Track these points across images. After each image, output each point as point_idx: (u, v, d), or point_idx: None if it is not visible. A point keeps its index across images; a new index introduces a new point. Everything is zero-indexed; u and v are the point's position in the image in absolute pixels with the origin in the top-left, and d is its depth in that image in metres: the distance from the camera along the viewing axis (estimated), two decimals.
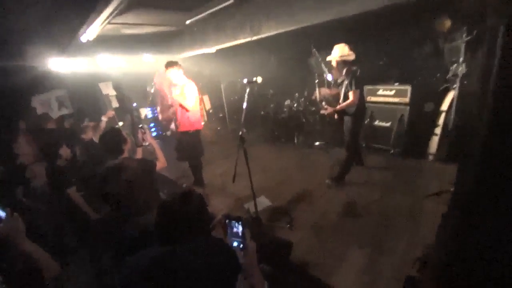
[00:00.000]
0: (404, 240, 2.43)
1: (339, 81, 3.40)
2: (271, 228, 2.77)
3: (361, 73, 3.16)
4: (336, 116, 3.50)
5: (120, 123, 5.47)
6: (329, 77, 4.00)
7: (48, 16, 2.53)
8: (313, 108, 5.21)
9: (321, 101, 3.82)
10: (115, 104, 5.87)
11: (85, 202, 2.55)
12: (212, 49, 4.67)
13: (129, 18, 3.60)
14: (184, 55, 5.44)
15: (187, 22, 4.13)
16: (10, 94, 4.58)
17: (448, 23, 3.47)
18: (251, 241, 1.02)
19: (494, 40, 0.96)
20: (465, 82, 3.72)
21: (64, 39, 3.50)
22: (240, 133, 2.37)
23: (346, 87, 3.19)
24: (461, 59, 3.61)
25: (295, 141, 5.31)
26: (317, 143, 5.10)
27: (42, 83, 5.13)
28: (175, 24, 4.33)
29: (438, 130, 4.02)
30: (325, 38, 4.14)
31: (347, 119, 3.35)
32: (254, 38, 3.78)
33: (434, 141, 4.06)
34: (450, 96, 3.92)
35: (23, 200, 2.86)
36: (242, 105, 2.54)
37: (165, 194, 2.52)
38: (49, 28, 2.83)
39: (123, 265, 0.93)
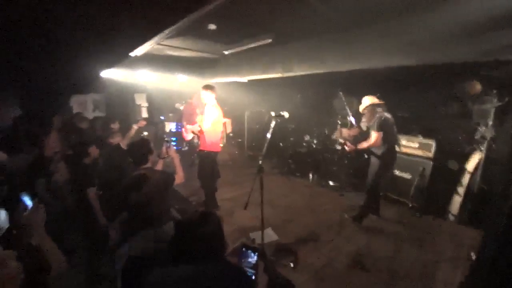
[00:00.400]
0: None
1: (365, 128, 3.61)
2: (274, 264, 2.66)
3: (386, 119, 3.28)
4: (365, 155, 3.61)
5: (145, 133, 5.75)
6: (352, 119, 4.07)
7: (109, 32, 2.86)
8: (333, 147, 5.21)
9: (343, 141, 3.88)
10: (144, 114, 6.23)
11: (99, 206, 2.62)
12: (244, 79, 4.98)
13: (175, 41, 3.99)
14: (215, 81, 5.79)
15: (225, 52, 4.47)
16: (53, 90, 5.01)
17: (478, 86, 3.51)
18: (264, 275, 1.01)
19: None
20: (493, 145, 3.63)
21: (118, 53, 3.87)
22: (260, 162, 2.41)
23: (371, 128, 3.34)
24: (490, 123, 3.56)
25: (310, 177, 5.26)
26: (331, 183, 5.01)
27: (84, 85, 5.59)
28: (214, 52, 4.70)
29: (461, 190, 3.84)
30: (353, 85, 4.30)
31: (373, 161, 3.41)
32: (285, 75, 4.01)
33: (456, 201, 3.86)
34: (476, 157, 3.80)
35: (42, 193, 3.00)
36: (262, 134, 2.64)
37: (177, 210, 2.54)
38: (108, 42, 3.17)
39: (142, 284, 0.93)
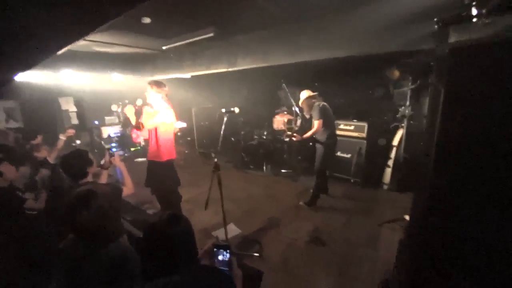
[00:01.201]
0: (366, 266, 2.58)
1: (308, 116, 3.90)
2: (241, 257, 2.72)
3: (323, 108, 3.64)
4: (310, 143, 3.93)
5: (78, 141, 5.08)
6: (296, 109, 4.34)
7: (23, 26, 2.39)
8: (281, 137, 5.48)
9: (290, 133, 4.17)
10: (74, 120, 5.47)
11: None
12: (187, 75, 4.78)
13: (104, 37, 3.58)
14: (155, 78, 5.42)
15: (164, 47, 4.21)
16: None
17: (396, 73, 4.10)
18: (238, 269, 1.03)
19: (435, 91, 1.22)
20: (411, 122, 4.31)
21: (31, 52, 3.27)
22: (215, 160, 2.40)
23: (313, 118, 3.66)
24: (407, 103, 4.21)
25: (264, 168, 5.45)
26: (284, 171, 5.29)
27: None
28: (151, 47, 4.38)
29: (390, 163, 4.51)
30: (294, 76, 4.57)
31: (318, 146, 3.74)
32: (230, 69, 4.00)
33: (388, 173, 4.52)
34: (400, 133, 4.49)
35: None
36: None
37: (130, 221, 2.35)
38: (17, 41, 2.64)
39: None
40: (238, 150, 5.81)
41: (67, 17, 1.79)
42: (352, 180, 4.62)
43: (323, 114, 3.60)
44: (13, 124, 4.95)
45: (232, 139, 6.02)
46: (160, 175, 2.96)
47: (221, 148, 2.70)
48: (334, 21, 2.75)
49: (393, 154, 4.50)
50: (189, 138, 7.19)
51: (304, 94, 3.78)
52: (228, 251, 1.05)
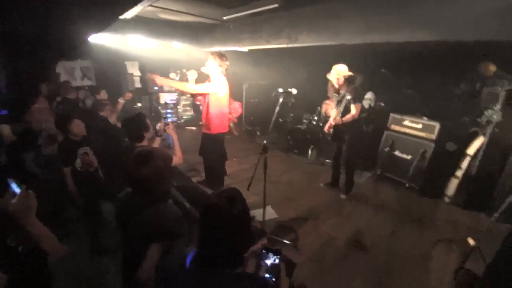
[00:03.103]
0: (410, 284, 2.30)
1: (339, 98, 3.41)
2: (275, 242, 2.67)
3: (360, 92, 3.35)
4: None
5: (139, 104, 5.47)
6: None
7: None
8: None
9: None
10: (137, 84, 5.87)
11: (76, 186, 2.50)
12: (244, 49, 4.64)
13: (169, 3, 3.59)
14: (213, 49, 5.41)
15: (225, 17, 4.10)
16: (38, 55, 4.57)
17: (492, 68, 3.34)
18: (286, 278, 0.93)
19: None
20: (496, 129, 3.57)
21: (107, 16, 3.44)
22: (265, 141, 2.28)
23: (348, 102, 3.24)
24: (498, 107, 3.46)
25: (309, 155, 5.21)
26: (328, 161, 4.98)
27: (71, 50, 5.14)
28: (212, 17, 4.31)
29: (459, 173, 3.86)
30: (361, 59, 4.05)
31: (347, 137, 3.45)
32: (290, 45, 3.72)
33: (453, 184, 3.90)
34: (479, 141, 3.76)
35: (31, 168, 2.83)
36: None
37: (176, 187, 2.44)
38: (96, 3, 2.76)
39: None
40: (284, 132, 5.63)
41: None
42: (407, 185, 4.11)
43: (361, 99, 3.29)
44: (86, 82, 5.52)
45: (280, 120, 5.82)
46: (207, 147, 3.03)
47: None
48: None
49: (465, 164, 3.83)
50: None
51: (345, 69, 3.26)
52: (278, 256, 0.95)
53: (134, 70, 5.83)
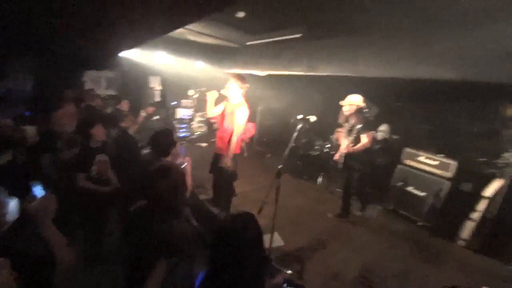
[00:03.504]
0: None
1: (349, 128, 3.46)
2: (279, 272, 2.57)
3: (372, 122, 3.41)
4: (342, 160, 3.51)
5: (157, 117, 5.63)
6: None
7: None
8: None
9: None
10: (157, 98, 6.09)
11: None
12: (263, 73, 4.80)
13: (197, 26, 3.81)
14: (233, 71, 5.61)
15: (248, 43, 4.29)
16: (67, 63, 4.83)
17: None
18: None
19: None
20: None
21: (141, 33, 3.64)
22: (280, 166, 2.28)
23: (358, 132, 3.26)
24: None
25: (318, 182, 5.13)
26: (339, 190, 4.87)
27: (98, 61, 5.44)
28: (236, 41, 4.52)
29: (475, 216, 3.69)
30: (378, 90, 4.10)
31: (356, 165, 3.47)
32: (309, 73, 3.83)
33: (469, 227, 3.71)
34: (496, 184, 3.63)
35: (47, 169, 2.89)
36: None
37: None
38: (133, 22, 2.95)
39: None
40: (295, 157, 5.61)
41: (176, 8, 1.90)
42: (420, 223, 3.94)
43: (372, 128, 3.31)
44: (110, 92, 5.76)
45: (293, 144, 5.83)
46: (219, 167, 3.04)
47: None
48: (453, 35, 2.31)
49: (481, 206, 3.67)
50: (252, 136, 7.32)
51: (359, 99, 3.31)
52: None
53: (155, 85, 6.09)
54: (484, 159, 3.92)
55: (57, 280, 1.26)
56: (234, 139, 2.97)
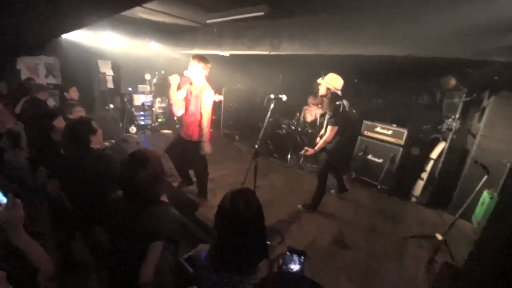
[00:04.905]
0: (390, 279, 2.47)
1: (322, 113, 3.39)
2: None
3: (344, 112, 3.08)
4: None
5: (111, 106, 5.17)
6: None
7: None
8: (310, 130, 5.30)
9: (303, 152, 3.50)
10: (110, 84, 5.53)
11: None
12: (226, 53, 4.65)
13: (152, 3, 3.48)
14: (192, 52, 5.33)
15: (208, 21, 4.08)
16: None
17: (452, 81, 3.75)
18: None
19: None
20: (455, 136, 4.01)
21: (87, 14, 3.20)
22: (256, 146, 2.32)
23: (328, 121, 3.17)
24: (456, 116, 3.89)
25: (288, 159, 5.33)
26: (309, 165, 5.15)
27: (33, 45, 4.70)
28: (195, 20, 4.26)
29: (424, 175, 4.25)
30: (335, 68, 4.30)
31: (323, 152, 3.33)
32: (272, 53, 3.82)
33: (419, 185, 4.28)
34: (440, 146, 4.19)
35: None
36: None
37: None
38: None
39: None
40: (265, 137, 5.71)
41: None
42: (379, 187, 4.42)
43: (341, 121, 3.06)
44: (51, 80, 5.07)
45: (260, 124, 5.90)
46: (190, 154, 2.97)
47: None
48: (400, 16, 2.49)
49: (429, 167, 4.23)
50: (214, 117, 7.15)
51: (340, 82, 3.03)
52: (303, 257, 0.96)
53: (106, 69, 5.49)
54: (429, 126, 4.47)
55: None
56: (205, 123, 2.89)
